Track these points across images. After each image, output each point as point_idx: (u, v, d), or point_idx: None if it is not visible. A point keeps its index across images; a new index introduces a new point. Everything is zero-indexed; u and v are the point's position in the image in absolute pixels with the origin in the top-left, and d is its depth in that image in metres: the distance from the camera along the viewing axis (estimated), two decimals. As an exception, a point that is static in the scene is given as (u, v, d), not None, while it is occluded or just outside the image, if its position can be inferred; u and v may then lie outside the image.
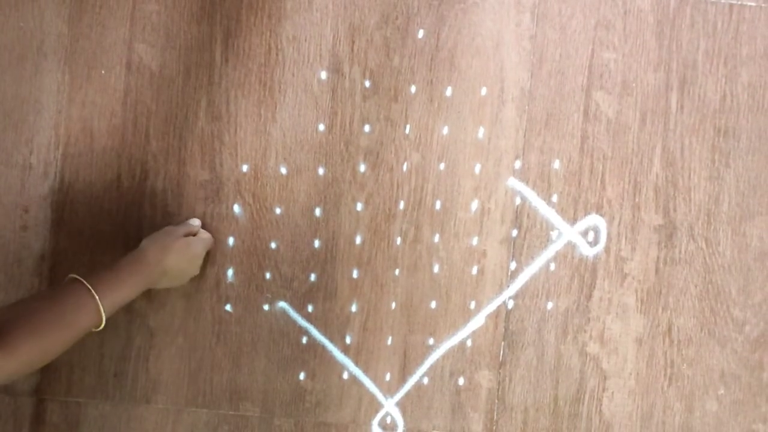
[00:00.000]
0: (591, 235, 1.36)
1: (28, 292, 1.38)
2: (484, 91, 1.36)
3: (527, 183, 1.37)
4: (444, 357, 1.38)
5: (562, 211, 1.36)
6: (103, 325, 1.14)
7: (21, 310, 1.07)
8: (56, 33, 1.37)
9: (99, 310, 1.13)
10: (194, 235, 1.34)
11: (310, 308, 1.38)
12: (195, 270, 1.34)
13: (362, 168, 1.37)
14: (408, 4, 1.35)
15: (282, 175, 1.37)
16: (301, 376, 1.38)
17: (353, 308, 1.38)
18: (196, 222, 1.36)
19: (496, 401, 1.38)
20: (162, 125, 1.37)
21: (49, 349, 1.07)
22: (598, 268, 1.36)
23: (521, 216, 1.36)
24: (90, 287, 1.13)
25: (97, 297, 1.12)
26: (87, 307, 1.12)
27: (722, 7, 1.35)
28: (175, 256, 1.28)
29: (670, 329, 1.36)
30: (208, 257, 1.37)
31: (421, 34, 1.36)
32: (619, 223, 1.36)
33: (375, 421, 1.39)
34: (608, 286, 1.36)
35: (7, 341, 1.00)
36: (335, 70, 1.36)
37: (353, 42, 1.36)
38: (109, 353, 1.38)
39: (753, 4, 1.35)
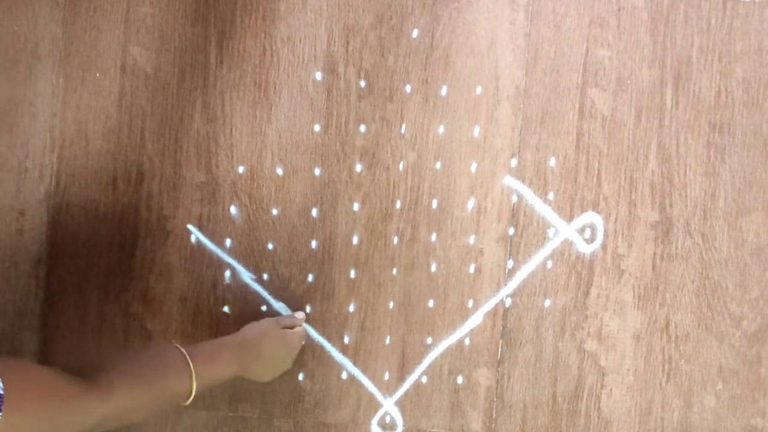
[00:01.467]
0: (588, 233, 1.36)
1: (25, 295, 1.38)
2: (479, 89, 1.36)
3: (523, 181, 1.37)
4: (442, 356, 1.38)
5: (558, 209, 1.36)
6: (191, 399, 1.11)
7: (119, 358, 1.08)
8: (50, 36, 1.37)
9: (191, 379, 1.10)
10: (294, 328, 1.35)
11: (308, 309, 1.38)
12: (288, 363, 1.34)
13: (358, 168, 1.37)
14: (402, 3, 1.35)
15: (278, 176, 1.37)
16: (300, 376, 1.38)
17: (351, 308, 1.38)
18: (300, 315, 1.37)
19: (495, 399, 1.38)
20: (157, 127, 1.37)
21: (140, 403, 1.05)
22: (595, 265, 1.36)
23: (518, 214, 1.37)
24: (186, 355, 1.11)
25: (191, 365, 1.11)
26: (181, 374, 1.10)
27: (716, 3, 1.35)
28: (272, 343, 1.28)
29: (667, 325, 1.36)
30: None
31: (415, 33, 1.36)
32: (616, 220, 1.36)
33: (374, 421, 1.39)
34: (605, 283, 1.36)
35: (104, 384, 0.99)
36: (330, 70, 1.36)
37: (348, 42, 1.36)
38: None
39: (746, -1, 1.35)
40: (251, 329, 1.27)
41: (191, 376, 1.11)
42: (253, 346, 1.25)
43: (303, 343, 1.36)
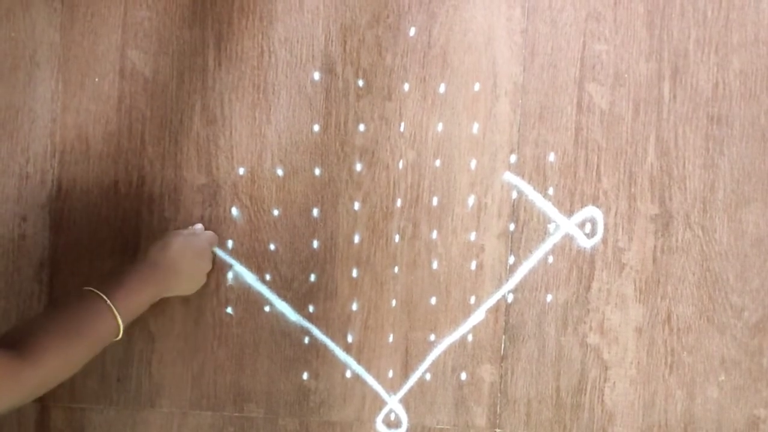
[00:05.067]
0: (588, 227, 1.37)
1: (29, 300, 1.38)
2: (477, 86, 1.36)
3: (523, 177, 1.37)
4: (445, 352, 1.38)
5: (558, 204, 1.37)
6: (121, 335, 1.13)
7: (41, 323, 1.07)
8: (48, 42, 1.37)
9: (117, 320, 1.12)
10: None
11: (311, 308, 1.38)
12: (206, 265, 1.33)
13: (358, 167, 1.37)
14: (399, 2, 1.35)
15: (278, 176, 1.37)
16: (305, 376, 1.39)
17: (354, 307, 1.38)
18: (197, 225, 1.36)
19: (499, 395, 1.38)
20: (157, 130, 1.37)
21: (72, 361, 1.06)
22: (596, 260, 1.37)
23: (518, 210, 1.37)
24: (106, 299, 1.11)
25: (113, 307, 1.11)
26: (105, 318, 1.11)
27: (712, -5, 1.35)
28: (186, 258, 1.27)
29: (669, 318, 1.37)
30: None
31: (412, 31, 1.36)
32: (616, 214, 1.36)
33: (379, 419, 1.39)
34: (606, 277, 1.37)
35: (32, 353, 0.99)
36: (328, 70, 1.36)
37: (345, 42, 1.36)
38: (110, 358, 1.38)
39: (742, -9, 1.35)
40: (161, 251, 1.24)
41: (116, 318, 1.11)
42: (170, 268, 1.24)
43: (214, 246, 1.36)
